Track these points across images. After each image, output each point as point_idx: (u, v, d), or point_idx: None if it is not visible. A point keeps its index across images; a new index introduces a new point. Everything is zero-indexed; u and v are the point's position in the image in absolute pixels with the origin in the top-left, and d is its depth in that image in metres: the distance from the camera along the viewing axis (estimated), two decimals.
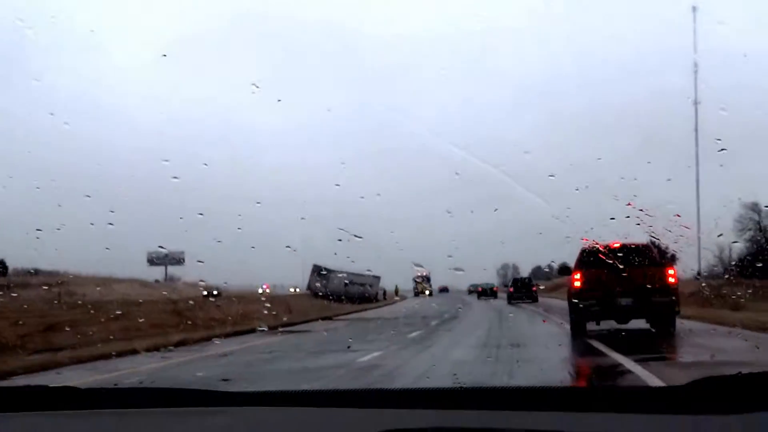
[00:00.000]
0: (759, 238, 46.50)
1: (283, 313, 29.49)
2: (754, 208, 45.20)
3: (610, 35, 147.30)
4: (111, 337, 19.49)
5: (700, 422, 1.81)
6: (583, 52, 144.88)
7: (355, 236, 13.10)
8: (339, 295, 61.39)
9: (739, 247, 50.39)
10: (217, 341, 19.95)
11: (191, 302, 32.76)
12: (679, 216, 10.23)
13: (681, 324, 18.13)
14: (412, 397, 2.17)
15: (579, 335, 17.64)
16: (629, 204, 10.00)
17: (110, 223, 14.25)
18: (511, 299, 48.52)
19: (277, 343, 20.18)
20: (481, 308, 40.57)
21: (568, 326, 19.16)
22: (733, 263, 37.54)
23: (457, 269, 16.70)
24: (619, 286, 16.98)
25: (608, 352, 13.93)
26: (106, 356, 16.32)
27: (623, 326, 18.26)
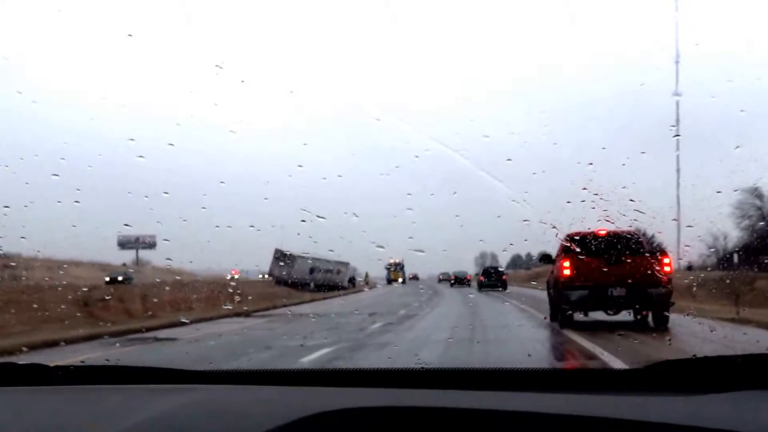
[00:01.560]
0: (763, 224, 41.50)
1: (211, 306, 24.27)
2: (756, 193, 40.42)
3: (573, 23, 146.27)
4: None
5: (653, 402, 1.78)
6: (543, 41, 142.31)
7: (318, 217, 12.86)
8: (303, 281, 56.16)
9: (737, 236, 47.50)
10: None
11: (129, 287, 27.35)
12: (633, 201, 10.21)
13: None
14: (376, 377, 2.11)
15: (565, 326, 16.43)
16: (584, 188, 9.95)
17: (77, 201, 13.73)
18: (482, 287, 48.73)
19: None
20: (450, 301, 34.96)
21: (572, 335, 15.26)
22: (738, 252, 33.07)
23: (417, 250, 15.70)
24: (612, 276, 15.74)
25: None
26: None
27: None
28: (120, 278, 45.77)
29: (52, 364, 2.37)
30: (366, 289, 59.70)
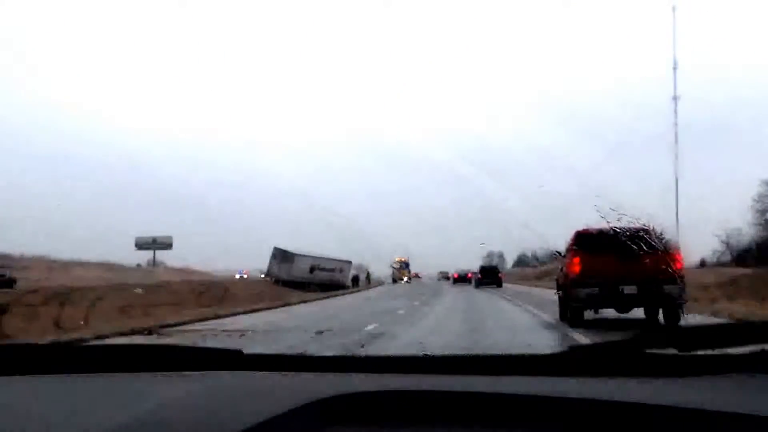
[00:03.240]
0: None
1: (139, 315, 20.83)
2: None
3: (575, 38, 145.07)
4: None
5: (659, 384, 1.78)
6: (549, 56, 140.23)
7: (335, 216, 13.52)
8: (303, 281, 52.72)
9: (751, 232, 46.48)
10: None
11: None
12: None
13: None
14: (382, 364, 2.20)
15: (576, 325, 15.81)
16: (597, 196, 8.76)
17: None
18: (479, 284, 51.91)
19: None
20: (444, 308, 26.73)
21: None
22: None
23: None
24: (623, 273, 15.12)
25: None
26: None
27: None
28: None
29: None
30: (363, 290, 56.20)
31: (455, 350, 12.29)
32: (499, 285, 50.72)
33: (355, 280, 65.77)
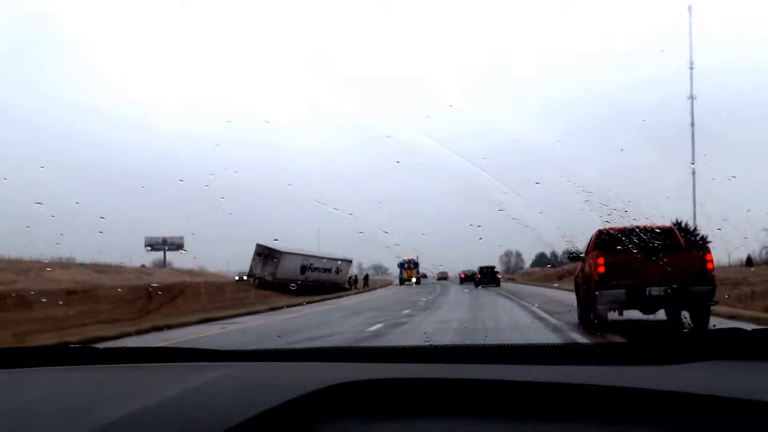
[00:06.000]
0: None
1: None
2: None
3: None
4: None
5: (631, 371, 1.85)
6: (552, 49, 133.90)
7: (334, 209, 12.33)
8: (293, 282, 45.28)
9: None
10: None
11: None
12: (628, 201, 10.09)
13: None
14: (389, 354, 2.26)
15: (600, 328, 14.65)
16: (589, 194, 9.89)
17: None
18: (479, 283, 55.41)
19: None
20: (430, 324, 19.09)
21: None
22: None
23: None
24: (649, 274, 14.00)
25: None
26: None
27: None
28: None
29: (101, 347, 2.44)
30: (354, 294, 48.53)
31: None
32: (497, 284, 55.22)
33: (360, 280, 59.14)
